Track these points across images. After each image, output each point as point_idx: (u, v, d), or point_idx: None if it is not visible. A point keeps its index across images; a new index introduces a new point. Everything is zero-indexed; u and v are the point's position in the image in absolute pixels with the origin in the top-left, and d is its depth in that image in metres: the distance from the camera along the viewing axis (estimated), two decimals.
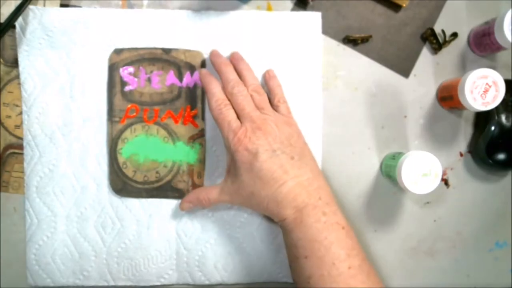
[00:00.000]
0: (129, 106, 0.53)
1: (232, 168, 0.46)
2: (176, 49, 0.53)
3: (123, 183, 0.53)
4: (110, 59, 0.53)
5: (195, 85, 0.54)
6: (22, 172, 0.54)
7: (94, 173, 0.54)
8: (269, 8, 0.55)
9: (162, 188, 0.53)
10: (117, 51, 0.53)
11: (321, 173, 0.47)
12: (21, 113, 0.54)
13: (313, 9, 0.55)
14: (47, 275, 0.54)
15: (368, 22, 0.56)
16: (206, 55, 0.54)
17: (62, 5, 0.53)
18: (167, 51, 0.53)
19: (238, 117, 0.46)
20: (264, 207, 0.44)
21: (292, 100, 0.53)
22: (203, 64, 0.54)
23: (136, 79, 0.53)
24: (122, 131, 0.53)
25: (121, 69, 0.53)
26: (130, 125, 0.53)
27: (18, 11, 0.51)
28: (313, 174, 0.45)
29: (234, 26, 0.54)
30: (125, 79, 0.53)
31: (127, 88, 0.53)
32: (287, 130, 0.46)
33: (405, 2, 0.55)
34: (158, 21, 0.54)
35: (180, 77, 0.53)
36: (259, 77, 0.54)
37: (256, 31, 0.54)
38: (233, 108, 0.47)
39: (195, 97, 0.53)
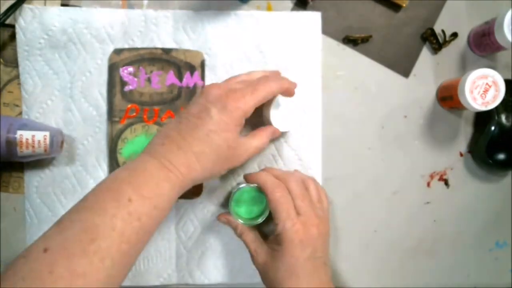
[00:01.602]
0: (129, 106, 0.53)
1: (275, 246, 0.46)
2: (176, 49, 0.53)
3: None
4: (110, 59, 0.53)
5: (195, 85, 0.54)
6: (22, 172, 0.54)
7: (94, 173, 0.54)
8: (269, 8, 0.55)
9: None
10: (117, 51, 0.53)
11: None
12: (21, 113, 0.54)
13: (313, 9, 0.55)
14: None
15: (368, 22, 0.56)
16: (206, 55, 0.54)
17: (62, 5, 0.53)
18: (167, 51, 0.53)
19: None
20: None
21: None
22: (202, 64, 0.54)
23: (136, 79, 0.53)
24: (122, 131, 0.53)
25: (121, 69, 0.53)
26: (130, 125, 0.53)
27: (12, 9, 0.51)
28: (330, 278, 0.46)
29: (234, 26, 0.54)
30: (125, 79, 0.53)
31: (127, 88, 0.53)
32: (329, 232, 0.48)
33: (405, 2, 0.55)
34: (158, 21, 0.54)
35: (180, 77, 0.53)
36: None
37: (256, 31, 0.54)
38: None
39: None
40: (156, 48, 0.53)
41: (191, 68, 0.54)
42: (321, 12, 0.55)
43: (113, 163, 0.53)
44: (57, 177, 0.53)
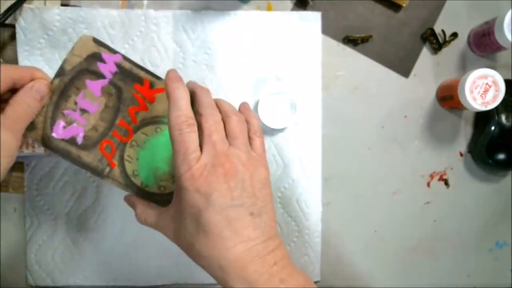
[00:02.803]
0: (99, 153, 0.40)
1: (177, 203, 0.36)
2: (65, 59, 0.40)
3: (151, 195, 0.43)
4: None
5: (118, 65, 0.41)
6: (22, 172, 0.54)
7: None
8: (269, 8, 0.55)
9: None
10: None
11: (277, 229, 0.38)
12: None
13: (313, 9, 0.55)
14: (47, 275, 0.54)
15: (368, 22, 0.56)
16: (206, 55, 0.54)
17: (62, 5, 0.53)
18: (58, 73, 0.40)
19: (200, 145, 0.36)
20: (205, 266, 0.37)
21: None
22: (97, 41, 0.41)
23: (75, 125, 0.40)
24: (122, 171, 0.41)
25: (54, 133, 0.40)
26: (121, 159, 0.41)
27: (12, 9, 0.51)
28: (269, 234, 0.36)
29: (234, 26, 0.54)
30: (68, 136, 0.40)
31: (79, 141, 0.40)
32: (256, 175, 0.36)
33: (405, 2, 0.55)
34: (158, 21, 0.54)
35: (97, 75, 0.41)
36: (254, 74, 0.54)
37: (256, 31, 0.54)
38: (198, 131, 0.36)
39: (132, 75, 0.42)
40: (52, 80, 0.40)
41: (95, 57, 0.40)
42: (321, 12, 0.55)
43: (138, 192, 0.42)
44: (57, 177, 0.53)
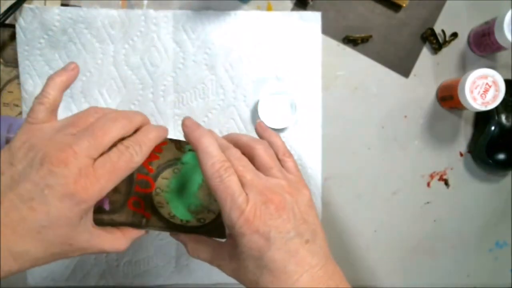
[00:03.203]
0: (127, 205, 0.39)
1: (231, 244, 0.36)
2: None
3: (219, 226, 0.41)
4: None
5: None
6: None
7: None
8: (269, 8, 0.55)
9: None
10: None
11: (330, 252, 0.37)
12: (21, 113, 0.54)
13: (313, 9, 0.55)
14: (47, 275, 0.54)
15: (368, 22, 0.56)
16: (206, 55, 0.54)
17: (62, 5, 0.53)
18: None
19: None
20: None
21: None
22: None
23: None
24: (154, 206, 0.40)
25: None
26: (151, 202, 0.40)
27: (12, 9, 0.51)
28: (326, 257, 0.35)
29: (234, 26, 0.54)
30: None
31: (106, 207, 0.38)
32: (301, 198, 0.36)
33: (405, 2, 0.55)
34: (158, 21, 0.54)
35: None
36: (253, 74, 0.54)
37: (256, 31, 0.54)
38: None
39: None
40: None
41: None
42: (321, 12, 0.55)
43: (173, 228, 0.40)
44: None
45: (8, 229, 0.30)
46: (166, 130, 0.37)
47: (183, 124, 0.36)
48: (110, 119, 0.33)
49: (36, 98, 0.35)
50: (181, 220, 0.40)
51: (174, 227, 0.40)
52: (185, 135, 0.35)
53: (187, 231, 0.40)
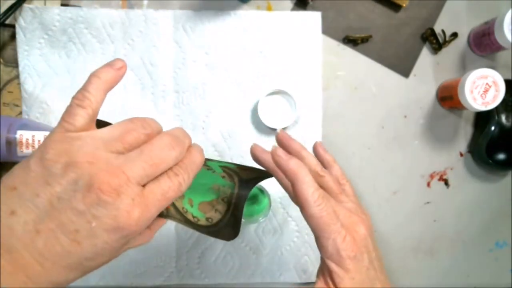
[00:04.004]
0: None
1: (331, 276, 0.35)
2: None
3: (227, 226, 0.41)
4: None
5: None
6: None
7: None
8: (269, 8, 0.55)
9: (242, 184, 0.40)
10: None
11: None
12: (21, 113, 0.54)
13: (313, 9, 0.55)
14: None
15: (368, 22, 0.56)
16: (206, 55, 0.54)
17: (62, 5, 0.53)
18: None
19: None
20: None
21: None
22: None
23: None
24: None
25: None
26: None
27: (12, 9, 0.51)
28: (386, 285, 0.37)
29: (234, 26, 0.54)
30: None
31: None
32: (369, 225, 0.37)
33: (405, 2, 0.55)
34: (158, 21, 0.54)
35: None
36: (252, 74, 0.54)
37: (256, 31, 0.54)
38: None
39: None
40: None
41: None
42: (321, 12, 0.55)
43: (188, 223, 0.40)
44: None
45: (49, 262, 0.26)
46: (202, 151, 0.34)
47: (275, 154, 0.35)
48: (167, 145, 0.29)
49: (76, 98, 0.29)
50: (193, 217, 0.40)
51: (189, 223, 0.40)
52: (279, 165, 0.35)
53: (197, 229, 0.41)
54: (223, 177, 0.39)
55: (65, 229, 0.26)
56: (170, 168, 0.29)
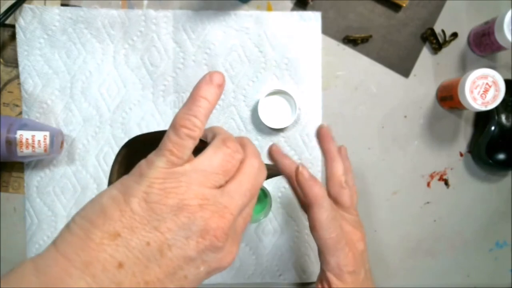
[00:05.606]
0: None
1: (332, 280, 0.39)
2: None
3: None
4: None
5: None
6: (22, 172, 0.54)
7: (94, 173, 0.54)
8: (269, 8, 0.55)
9: None
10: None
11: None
12: (21, 113, 0.54)
13: (313, 9, 0.55)
14: None
15: (368, 22, 0.56)
16: (206, 55, 0.54)
17: (62, 5, 0.53)
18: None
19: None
20: None
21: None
22: None
23: None
24: None
25: None
26: None
27: (12, 9, 0.51)
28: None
29: (234, 26, 0.54)
30: None
31: None
32: (365, 238, 0.41)
33: (405, 2, 0.55)
34: (158, 21, 0.54)
35: None
36: (253, 74, 0.54)
37: (256, 31, 0.54)
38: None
39: None
40: None
41: None
42: (321, 12, 0.55)
43: None
44: (57, 177, 0.53)
45: None
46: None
47: (301, 174, 0.37)
48: (259, 170, 0.27)
49: (185, 127, 0.24)
50: None
51: None
52: (301, 185, 0.37)
53: None
54: None
55: (174, 278, 0.24)
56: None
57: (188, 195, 0.23)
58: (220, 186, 0.25)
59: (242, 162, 0.27)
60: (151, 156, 0.25)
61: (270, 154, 0.42)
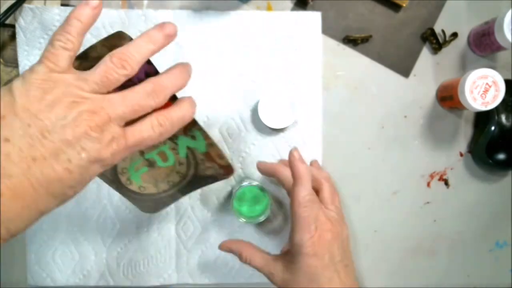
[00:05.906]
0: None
1: (288, 261, 0.43)
2: (92, 47, 0.36)
3: (152, 202, 0.45)
4: None
5: (146, 73, 0.37)
6: None
7: None
8: (269, 8, 0.55)
9: (192, 182, 0.43)
10: None
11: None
12: None
13: (313, 9, 0.55)
14: (47, 275, 0.54)
15: (368, 22, 0.56)
16: (206, 55, 0.54)
17: (62, 5, 0.53)
18: (79, 56, 0.34)
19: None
20: None
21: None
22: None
23: None
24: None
25: None
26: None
27: (12, 9, 0.51)
28: (354, 278, 0.44)
29: (234, 26, 0.54)
30: None
31: None
32: (345, 232, 0.45)
33: (405, 2, 0.55)
34: (158, 21, 0.54)
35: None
36: (255, 74, 0.54)
37: (256, 31, 0.54)
38: None
39: None
40: None
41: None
42: (321, 12, 0.55)
43: (129, 196, 0.44)
44: None
45: (43, 188, 0.28)
46: (194, 108, 0.36)
47: (292, 154, 0.43)
48: (148, 94, 0.32)
49: (59, 40, 0.30)
50: (128, 180, 0.42)
51: (116, 182, 0.42)
52: (291, 163, 0.42)
53: (120, 189, 0.43)
54: (181, 163, 0.41)
55: (59, 158, 0.28)
56: (156, 117, 0.32)
57: (65, 94, 0.29)
58: (103, 94, 0.30)
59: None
60: (33, 65, 0.31)
61: (289, 159, 0.43)
